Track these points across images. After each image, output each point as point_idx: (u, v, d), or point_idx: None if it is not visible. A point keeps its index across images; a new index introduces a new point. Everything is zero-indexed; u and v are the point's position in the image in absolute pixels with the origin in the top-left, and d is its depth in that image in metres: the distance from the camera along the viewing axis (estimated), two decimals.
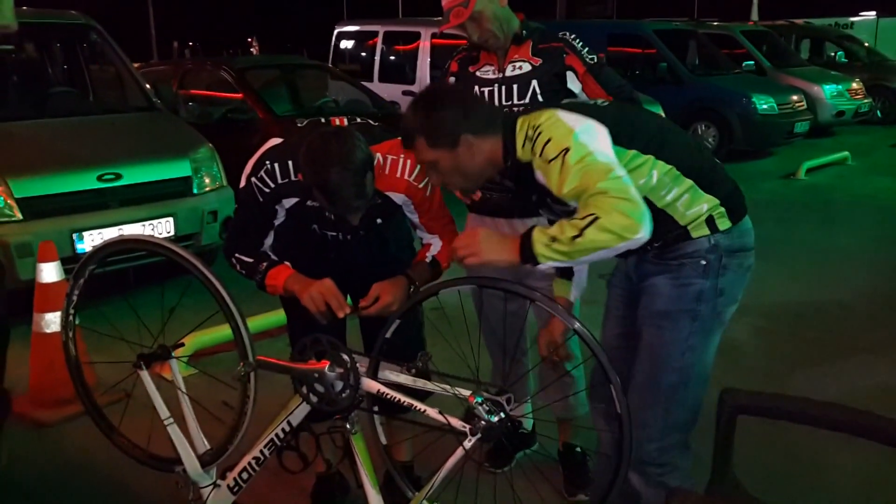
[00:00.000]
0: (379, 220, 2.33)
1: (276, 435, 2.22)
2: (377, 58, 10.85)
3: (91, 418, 2.62)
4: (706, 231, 1.96)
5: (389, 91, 9.68)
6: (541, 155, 1.88)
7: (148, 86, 6.20)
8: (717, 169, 2.05)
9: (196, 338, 3.71)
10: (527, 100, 2.59)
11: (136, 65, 6.75)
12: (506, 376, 2.73)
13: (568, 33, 2.65)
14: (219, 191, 5.48)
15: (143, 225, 4.97)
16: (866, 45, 17.07)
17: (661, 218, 1.90)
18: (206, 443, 2.39)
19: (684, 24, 14.28)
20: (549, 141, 1.87)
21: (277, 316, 3.82)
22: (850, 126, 13.49)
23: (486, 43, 2.61)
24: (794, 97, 11.50)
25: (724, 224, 1.97)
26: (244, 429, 2.29)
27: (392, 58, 11.01)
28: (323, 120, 2.29)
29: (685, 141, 2.10)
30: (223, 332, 3.42)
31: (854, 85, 13.22)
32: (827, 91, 12.68)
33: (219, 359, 3.89)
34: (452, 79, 2.77)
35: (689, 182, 1.94)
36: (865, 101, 13.30)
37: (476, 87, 2.66)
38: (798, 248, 6.33)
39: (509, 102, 2.61)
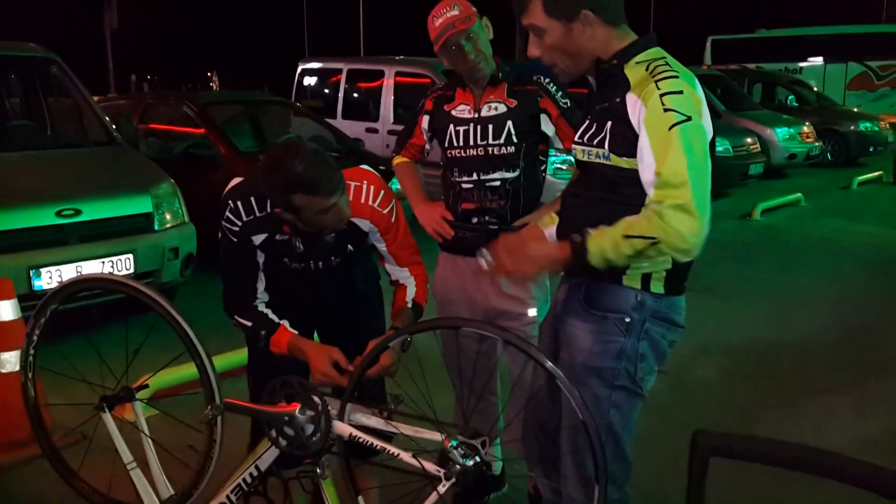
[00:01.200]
0: (350, 248, 2.33)
1: (244, 480, 2.16)
2: (341, 95, 10.87)
3: (49, 461, 2.54)
4: (637, 285, 1.90)
5: (353, 128, 9.71)
6: (661, 94, 1.75)
7: (107, 119, 6.13)
8: None
9: (160, 377, 3.62)
10: (501, 140, 2.61)
11: (95, 98, 6.67)
12: (468, 415, 2.71)
13: (542, 77, 2.68)
14: (180, 227, 5.41)
15: (103, 262, 4.86)
16: (815, 89, 17.67)
17: None
18: (169, 488, 2.33)
19: None
20: (679, 93, 1.75)
21: (240, 355, 3.76)
22: (801, 168, 13.89)
23: (471, 73, 2.61)
24: (749, 140, 11.83)
25: (656, 287, 1.90)
26: (209, 473, 2.24)
27: (355, 95, 11.03)
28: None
29: None
30: (188, 371, 3.35)
31: (805, 128, 13.64)
32: (779, 134, 13.06)
33: (183, 399, 3.80)
34: (426, 117, 2.79)
35: None
36: (816, 144, 13.72)
37: (451, 126, 2.68)
38: (757, 288, 6.45)
39: (484, 142, 2.63)
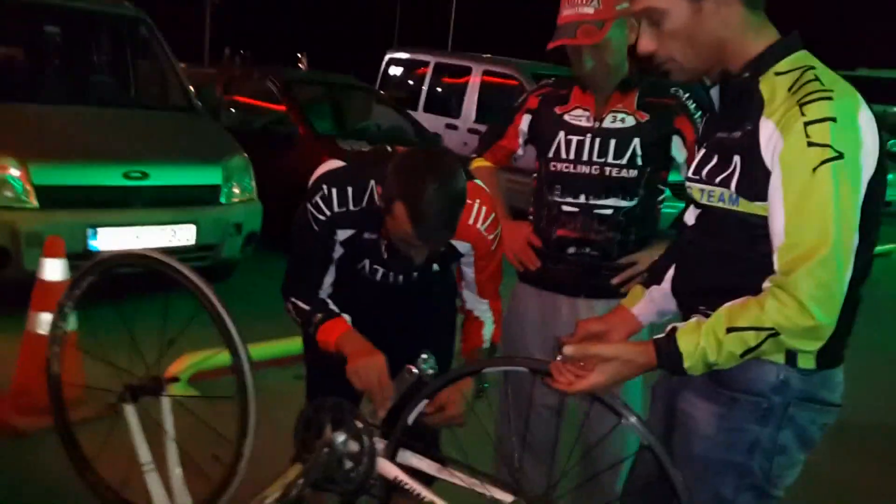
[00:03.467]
0: (436, 267, 2.04)
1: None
2: (425, 87, 10.67)
3: (63, 446, 2.31)
4: (781, 359, 1.48)
5: (433, 122, 9.47)
6: (806, 124, 1.35)
7: (191, 87, 6.00)
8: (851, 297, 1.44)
9: (193, 361, 3.39)
10: (624, 160, 2.16)
11: (182, 64, 6.58)
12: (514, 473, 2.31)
13: (681, 91, 2.22)
14: (247, 203, 5.23)
15: (164, 229, 4.71)
16: None
17: None
18: (188, 499, 2.08)
19: None
20: (831, 120, 1.35)
21: (293, 343, 3.52)
22: (890, 217, 13.04)
23: (593, 79, 2.17)
24: None
25: (806, 362, 1.48)
26: (232, 490, 1.98)
27: (439, 89, 10.82)
28: (389, 149, 2.02)
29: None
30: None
31: None
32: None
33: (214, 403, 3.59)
34: (527, 117, 2.35)
35: None
36: None
37: (561, 134, 2.23)
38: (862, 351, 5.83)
39: (602, 160, 2.18)
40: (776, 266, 1.40)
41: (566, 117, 2.24)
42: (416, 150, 1.81)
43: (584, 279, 2.21)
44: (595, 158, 2.18)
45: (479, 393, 1.92)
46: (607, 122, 2.19)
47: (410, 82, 11.35)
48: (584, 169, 2.20)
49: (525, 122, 2.35)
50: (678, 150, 2.19)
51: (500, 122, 2.47)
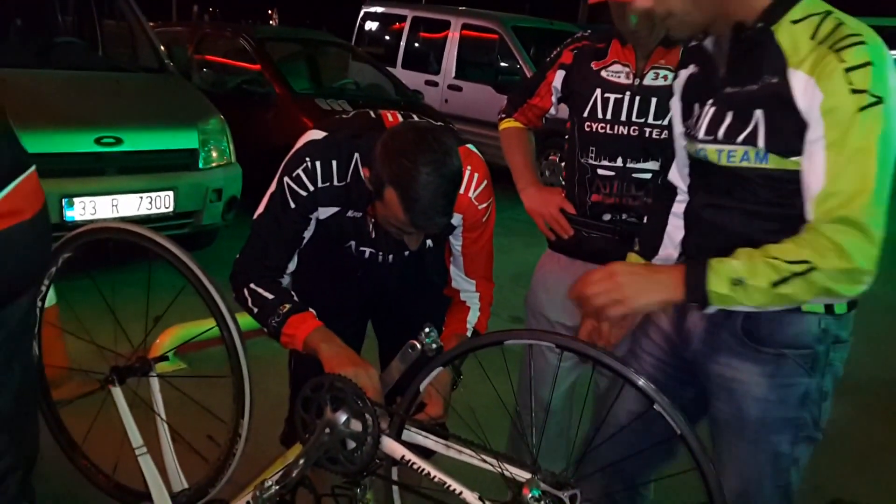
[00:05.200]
0: (429, 243, 1.91)
1: (269, 486, 1.81)
2: (402, 43, 10.41)
3: (51, 432, 2.21)
4: (820, 308, 1.47)
5: (411, 79, 9.26)
6: (847, 69, 1.30)
7: (162, 47, 5.77)
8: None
9: (180, 334, 3.29)
10: (665, 121, 1.99)
11: (151, 24, 6.32)
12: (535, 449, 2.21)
13: None
14: (226, 167, 5.06)
15: (141, 197, 4.55)
16: None
17: None
18: (183, 481, 2.00)
19: None
20: (868, 64, 1.30)
21: None
22: None
23: (636, 34, 2.00)
24: None
25: (840, 307, 1.49)
26: (230, 472, 1.90)
27: (417, 45, 10.58)
28: (373, 114, 1.86)
29: None
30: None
31: None
32: None
33: (205, 381, 3.49)
34: (561, 73, 2.18)
35: None
36: None
37: (598, 91, 2.08)
38: (871, 307, 5.75)
39: (642, 119, 2.04)
40: (812, 216, 1.35)
41: (604, 73, 2.10)
42: (405, 126, 1.65)
43: (619, 248, 2.03)
44: (634, 118, 2.05)
45: (454, 385, 1.83)
46: (648, 80, 2.05)
47: (387, 38, 11.09)
48: (622, 129, 2.06)
49: (559, 78, 2.20)
50: None
51: (531, 79, 2.32)
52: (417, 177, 1.53)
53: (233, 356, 1.82)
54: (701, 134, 1.53)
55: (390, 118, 1.83)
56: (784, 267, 1.31)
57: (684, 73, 1.66)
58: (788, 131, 1.38)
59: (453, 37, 9.73)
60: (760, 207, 1.46)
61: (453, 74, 9.53)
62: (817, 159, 1.34)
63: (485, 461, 1.53)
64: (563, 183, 2.23)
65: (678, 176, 1.73)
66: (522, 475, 1.48)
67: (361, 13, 11.48)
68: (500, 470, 1.50)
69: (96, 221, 2.20)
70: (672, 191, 1.75)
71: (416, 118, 1.85)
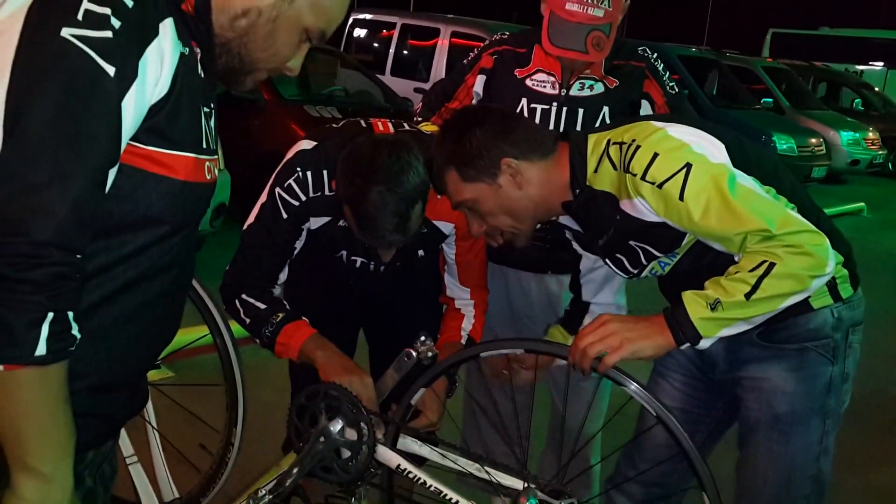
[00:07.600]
0: (421, 253, 1.92)
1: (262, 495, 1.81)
2: (392, 50, 10.44)
3: None
4: (829, 300, 1.57)
5: (400, 86, 9.26)
6: (644, 177, 1.43)
7: None
8: (826, 219, 1.62)
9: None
10: None
11: None
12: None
13: (648, 50, 2.10)
14: None
15: None
16: (883, 94, 16.82)
17: None
18: (174, 490, 1.98)
19: (707, 52, 13.94)
20: (655, 158, 1.42)
21: None
22: (862, 176, 13.20)
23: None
24: (813, 140, 11.17)
25: (846, 291, 1.59)
26: (223, 481, 1.89)
27: (406, 52, 10.60)
28: (364, 123, 1.86)
29: (797, 181, 1.67)
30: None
31: (870, 134, 12.93)
32: (844, 138, 12.35)
33: (198, 389, 3.47)
34: (481, 78, 2.12)
35: None
36: (881, 152, 13.01)
37: (523, 101, 2.05)
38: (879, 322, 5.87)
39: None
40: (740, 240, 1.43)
41: (528, 82, 2.06)
42: (365, 141, 1.64)
43: (551, 255, 2.06)
44: (562, 129, 2.03)
45: (449, 393, 1.84)
46: (575, 90, 2.03)
47: (376, 45, 11.10)
48: None
49: (479, 83, 2.14)
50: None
51: (448, 81, 2.26)
52: (367, 195, 1.54)
53: (227, 364, 1.81)
54: (622, 275, 1.70)
55: (381, 127, 1.84)
56: (748, 276, 1.37)
57: (570, 236, 1.80)
58: (665, 236, 1.51)
59: (442, 45, 9.77)
60: (702, 265, 1.56)
61: None
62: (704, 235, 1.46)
63: (483, 470, 1.53)
64: None
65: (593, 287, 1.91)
66: (517, 483, 1.48)
67: (350, 20, 11.49)
68: (494, 479, 1.51)
69: None
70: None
71: (406, 127, 1.86)
